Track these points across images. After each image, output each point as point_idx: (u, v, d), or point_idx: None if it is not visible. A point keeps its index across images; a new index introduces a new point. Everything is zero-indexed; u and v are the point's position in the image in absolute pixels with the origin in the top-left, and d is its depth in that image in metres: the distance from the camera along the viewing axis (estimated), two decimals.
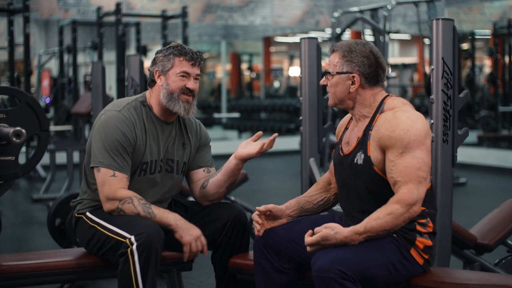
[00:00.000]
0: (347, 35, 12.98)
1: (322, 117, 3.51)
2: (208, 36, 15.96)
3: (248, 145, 2.81)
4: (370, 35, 8.72)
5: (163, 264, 2.76)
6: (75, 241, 4.07)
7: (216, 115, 15.51)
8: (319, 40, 3.50)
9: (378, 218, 2.33)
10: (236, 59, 18.17)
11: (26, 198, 7.49)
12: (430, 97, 2.79)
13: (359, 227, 2.34)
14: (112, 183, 2.69)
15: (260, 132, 2.85)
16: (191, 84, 2.79)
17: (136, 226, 2.60)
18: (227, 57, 17.35)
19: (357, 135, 2.53)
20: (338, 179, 2.62)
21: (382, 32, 7.90)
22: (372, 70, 2.50)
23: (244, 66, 19.12)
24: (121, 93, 9.03)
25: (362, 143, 2.49)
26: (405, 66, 18.36)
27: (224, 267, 2.81)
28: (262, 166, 10.54)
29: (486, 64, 15.83)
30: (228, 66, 17.81)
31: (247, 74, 19.27)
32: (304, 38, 3.47)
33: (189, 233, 2.69)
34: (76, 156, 7.62)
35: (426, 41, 9.58)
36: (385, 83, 2.63)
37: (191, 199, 3.91)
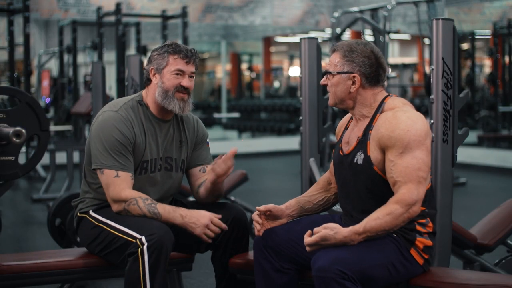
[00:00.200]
0: (347, 35, 12.98)
1: (322, 117, 3.51)
2: (208, 36, 15.97)
3: (223, 164, 2.75)
4: (370, 35, 8.72)
5: None
6: (75, 241, 4.08)
7: (216, 115, 15.52)
8: (319, 40, 3.50)
9: (377, 218, 2.33)
10: (236, 59, 18.18)
11: (26, 198, 7.49)
12: (430, 97, 2.79)
13: (359, 227, 2.34)
14: (116, 184, 2.69)
15: (235, 149, 2.76)
16: (186, 82, 2.79)
17: (146, 226, 2.60)
18: (227, 57, 17.35)
19: (357, 135, 2.53)
20: (337, 179, 2.62)
21: (382, 32, 7.90)
22: (373, 70, 2.50)
23: (244, 66, 19.14)
24: (121, 93, 9.02)
25: (362, 143, 2.49)
26: (405, 66, 18.37)
27: (224, 267, 2.81)
28: (262, 166, 10.54)
29: (486, 64, 15.83)
30: (228, 66, 17.82)
31: (247, 74, 19.28)
32: (304, 38, 3.47)
33: (198, 225, 2.66)
34: (76, 156, 7.62)
35: (426, 41, 9.58)
36: (385, 83, 2.63)
37: (191, 199, 3.91)
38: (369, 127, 2.49)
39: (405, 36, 16.07)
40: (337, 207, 2.83)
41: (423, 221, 2.46)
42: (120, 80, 9.36)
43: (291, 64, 18.87)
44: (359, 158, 2.48)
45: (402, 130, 2.39)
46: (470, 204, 6.86)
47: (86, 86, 11.33)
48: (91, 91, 5.03)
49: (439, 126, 2.76)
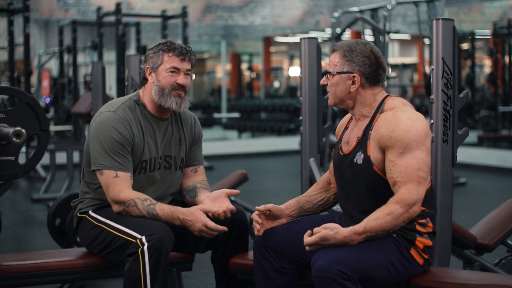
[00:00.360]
0: (347, 35, 12.97)
1: (322, 117, 3.51)
2: (208, 36, 15.96)
3: (217, 200, 2.75)
4: (370, 35, 8.72)
5: None
6: (75, 241, 4.08)
7: (216, 115, 15.51)
8: (319, 40, 3.50)
9: (377, 218, 2.33)
10: (236, 59, 18.17)
11: (26, 198, 7.49)
12: (430, 97, 2.79)
13: (359, 227, 2.34)
14: (116, 185, 2.69)
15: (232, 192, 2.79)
16: (181, 79, 2.79)
17: (146, 226, 2.60)
18: (227, 57, 17.35)
19: (357, 134, 2.53)
20: (337, 179, 2.62)
21: (382, 32, 7.90)
22: (373, 70, 2.50)
23: (244, 66, 19.13)
24: (121, 93, 9.03)
25: (362, 143, 2.49)
26: (405, 66, 18.37)
27: (224, 267, 2.81)
28: (262, 166, 10.54)
29: (486, 64, 15.83)
30: (228, 66, 17.81)
31: (247, 74, 19.27)
32: (304, 38, 3.47)
33: (195, 228, 2.65)
34: (76, 156, 7.62)
35: (426, 41, 9.58)
36: (385, 83, 2.63)
37: None
38: (369, 127, 2.49)
39: (405, 36, 16.07)
40: (337, 207, 2.82)
41: (423, 221, 2.46)
42: (120, 80, 9.37)
43: (291, 64, 18.87)
44: (359, 158, 2.48)
45: (402, 130, 2.39)
46: (470, 204, 6.85)
47: (86, 86, 11.32)
48: (91, 91, 5.03)
49: (439, 126, 2.76)
